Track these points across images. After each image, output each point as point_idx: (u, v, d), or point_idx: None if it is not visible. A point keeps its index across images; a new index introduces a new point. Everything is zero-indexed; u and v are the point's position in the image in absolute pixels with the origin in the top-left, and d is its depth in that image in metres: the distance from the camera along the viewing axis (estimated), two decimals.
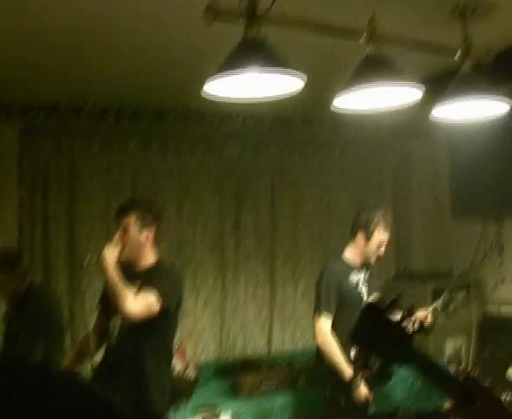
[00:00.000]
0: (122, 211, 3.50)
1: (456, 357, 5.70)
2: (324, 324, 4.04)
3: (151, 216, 3.52)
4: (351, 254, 4.27)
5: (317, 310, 4.09)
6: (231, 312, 5.70)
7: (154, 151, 5.49)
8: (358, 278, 4.21)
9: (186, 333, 5.21)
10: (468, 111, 3.29)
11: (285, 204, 5.91)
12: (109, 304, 3.41)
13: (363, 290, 4.21)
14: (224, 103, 2.83)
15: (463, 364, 5.63)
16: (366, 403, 3.98)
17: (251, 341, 5.78)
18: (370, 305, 2.41)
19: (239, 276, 5.75)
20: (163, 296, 3.32)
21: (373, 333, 2.23)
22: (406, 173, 6.34)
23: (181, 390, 4.37)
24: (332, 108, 2.97)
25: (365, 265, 4.25)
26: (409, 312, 2.77)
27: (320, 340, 4.05)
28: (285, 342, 5.90)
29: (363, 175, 6.23)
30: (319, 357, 4.13)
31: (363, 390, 3.92)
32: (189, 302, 5.23)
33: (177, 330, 3.64)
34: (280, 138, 5.85)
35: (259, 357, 5.49)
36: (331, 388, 4.04)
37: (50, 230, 5.13)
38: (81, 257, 5.01)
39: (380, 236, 4.17)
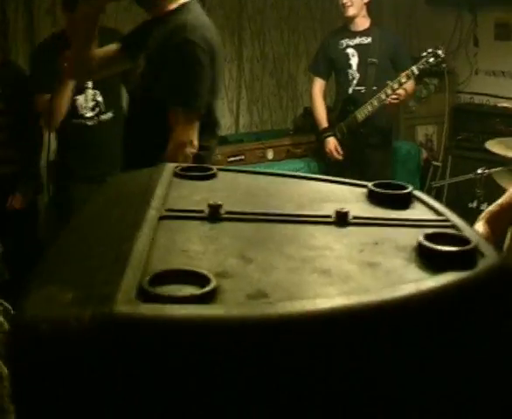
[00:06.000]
0: None
1: (428, 144, 5.60)
2: (312, 85, 4.74)
3: None
4: None
5: None
6: None
7: None
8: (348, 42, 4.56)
9: None
10: None
11: None
12: None
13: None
14: None
15: (435, 150, 5.54)
16: None
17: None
18: None
19: None
20: None
21: None
22: None
23: None
24: None
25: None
26: None
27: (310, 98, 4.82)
28: (252, 122, 5.65)
29: None
30: None
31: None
32: None
33: None
34: None
35: (227, 134, 5.20)
36: None
37: None
38: None
39: None
